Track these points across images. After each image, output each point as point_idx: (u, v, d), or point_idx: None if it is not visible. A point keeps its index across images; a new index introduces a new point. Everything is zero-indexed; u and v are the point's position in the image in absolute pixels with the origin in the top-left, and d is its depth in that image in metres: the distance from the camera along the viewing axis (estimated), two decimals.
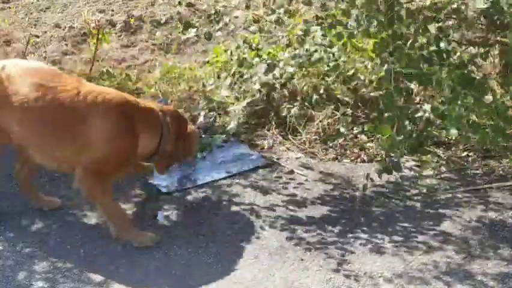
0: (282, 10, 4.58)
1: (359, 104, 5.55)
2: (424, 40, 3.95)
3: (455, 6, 4.07)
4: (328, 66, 4.46)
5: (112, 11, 7.74)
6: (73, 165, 4.50)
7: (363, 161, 5.28)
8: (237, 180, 5.18)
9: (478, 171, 5.16)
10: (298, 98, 5.60)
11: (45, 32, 7.42)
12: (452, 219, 4.71)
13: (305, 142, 5.46)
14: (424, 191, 4.99)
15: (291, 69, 4.74)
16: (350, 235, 4.58)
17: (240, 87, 5.14)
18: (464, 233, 4.58)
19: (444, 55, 3.92)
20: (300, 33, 4.46)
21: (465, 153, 5.31)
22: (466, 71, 3.90)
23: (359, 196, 4.89)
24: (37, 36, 7.29)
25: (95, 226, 4.75)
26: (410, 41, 3.93)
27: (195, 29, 4.95)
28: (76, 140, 4.38)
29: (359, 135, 5.45)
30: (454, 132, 3.94)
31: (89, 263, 4.41)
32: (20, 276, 4.32)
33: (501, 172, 5.13)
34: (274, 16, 4.52)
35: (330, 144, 5.39)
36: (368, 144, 5.39)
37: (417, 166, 5.24)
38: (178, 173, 5.20)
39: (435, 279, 4.21)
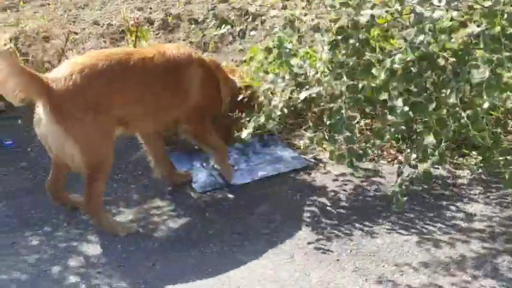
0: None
1: None
2: None
3: None
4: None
5: (150, 8, 7.79)
6: (177, 117, 4.89)
7: (400, 163, 5.22)
8: (274, 180, 5.17)
9: None
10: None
11: (84, 28, 7.48)
12: (481, 216, 4.67)
13: (339, 140, 5.42)
14: (456, 190, 4.95)
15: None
16: (385, 233, 4.54)
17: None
18: (492, 229, 4.54)
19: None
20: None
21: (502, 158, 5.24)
22: None
23: (393, 195, 4.85)
24: (76, 33, 7.35)
25: (132, 221, 4.77)
26: None
27: (228, 26, 4.95)
28: (180, 91, 4.78)
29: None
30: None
31: (125, 259, 4.43)
32: (55, 271, 4.35)
33: None
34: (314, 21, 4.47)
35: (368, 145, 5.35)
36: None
37: (454, 168, 5.20)
38: (215, 172, 5.24)
39: (461, 271, 4.18)
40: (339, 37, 4.04)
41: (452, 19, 3.88)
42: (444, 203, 4.83)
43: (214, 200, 4.98)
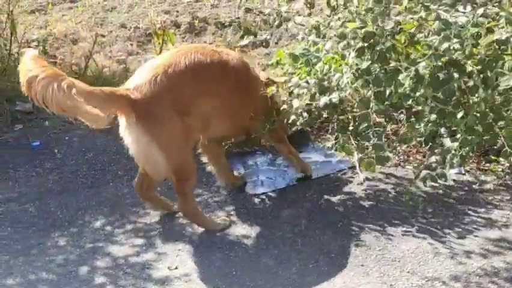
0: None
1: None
2: None
3: None
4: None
5: (177, 12, 7.82)
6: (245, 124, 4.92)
7: (426, 168, 5.20)
8: (298, 185, 5.17)
9: None
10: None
11: (111, 31, 7.53)
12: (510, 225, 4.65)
13: (368, 147, 5.40)
14: (482, 196, 4.93)
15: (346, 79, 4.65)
16: (410, 239, 4.52)
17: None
18: None
19: None
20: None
21: None
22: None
23: (420, 201, 4.84)
24: (103, 36, 7.40)
25: (158, 222, 4.79)
26: None
27: (251, 36, 4.94)
28: (248, 97, 4.76)
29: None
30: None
31: (150, 261, 4.45)
32: (82, 271, 4.38)
33: None
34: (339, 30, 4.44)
35: (393, 150, 5.33)
36: None
37: (480, 174, 5.17)
38: (267, 175, 5.31)
39: (494, 284, 4.14)
40: (366, 44, 4.03)
41: (477, 24, 3.86)
42: (471, 209, 4.80)
43: (238, 203, 4.98)
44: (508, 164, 5.16)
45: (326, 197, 5.00)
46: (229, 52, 4.83)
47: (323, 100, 4.35)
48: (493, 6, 3.91)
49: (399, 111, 4.47)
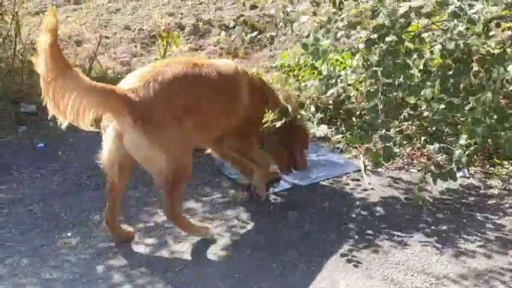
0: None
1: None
2: None
3: None
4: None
5: (181, 14, 7.84)
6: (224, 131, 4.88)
7: (430, 171, 5.19)
8: (302, 188, 5.17)
9: None
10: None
11: (116, 33, 7.55)
12: None
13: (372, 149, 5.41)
14: (487, 200, 4.94)
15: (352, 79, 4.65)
16: (414, 242, 4.52)
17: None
18: None
19: None
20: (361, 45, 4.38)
21: None
22: None
23: (425, 203, 4.84)
24: (107, 38, 7.41)
25: (162, 224, 4.79)
26: None
27: (256, 31, 4.94)
28: (233, 105, 4.78)
29: (427, 145, 5.38)
30: None
31: (159, 260, 4.45)
32: (87, 273, 4.37)
33: None
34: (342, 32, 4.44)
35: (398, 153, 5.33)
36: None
37: (485, 177, 5.17)
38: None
39: (501, 283, 4.15)
40: (376, 35, 4.02)
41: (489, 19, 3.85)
42: (476, 213, 4.80)
43: (243, 206, 4.98)
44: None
45: (329, 200, 5.00)
46: (219, 62, 4.90)
47: (331, 91, 4.36)
48: None
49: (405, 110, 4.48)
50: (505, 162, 5.26)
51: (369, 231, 4.66)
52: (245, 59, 6.89)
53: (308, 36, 4.72)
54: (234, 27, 5.34)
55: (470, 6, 3.75)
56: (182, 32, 7.38)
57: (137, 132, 4.25)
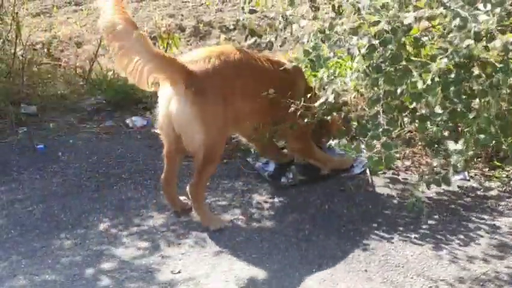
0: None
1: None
2: None
3: None
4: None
5: (182, 15, 7.84)
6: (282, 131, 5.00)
7: (431, 172, 5.19)
8: (302, 189, 5.17)
9: None
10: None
11: None
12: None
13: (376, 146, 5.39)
14: (487, 202, 4.94)
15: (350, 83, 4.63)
16: (414, 244, 4.52)
17: None
18: None
19: None
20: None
21: None
22: None
23: (424, 206, 4.83)
24: None
25: (161, 226, 4.79)
26: None
27: (255, 37, 4.94)
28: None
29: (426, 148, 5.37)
30: None
31: (154, 264, 4.44)
32: (86, 274, 4.37)
33: None
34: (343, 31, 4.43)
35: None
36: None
37: (485, 180, 5.17)
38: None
39: (499, 287, 4.15)
40: (377, 41, 4.02)
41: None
42: (475, 215, 4.80)
43: (242, 208, 4.98)
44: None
45: (329, 202, 5.00)
46: (278, 59, 4.99)
47: (329, 91, 4.36)
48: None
49: (404, 113, 4.46)
50: (505, 165, 5.24)
51: (369, 233, 4.66)
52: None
53: (308, 41, 4.73)
54: (234, 29, 5.34)
55: (475, 16, 3.74)
56: (183, 33, 7.38)
57: (185, 99, 4.44)
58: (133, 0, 8.40)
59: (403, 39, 4.02)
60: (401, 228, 4.69)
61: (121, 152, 5.63)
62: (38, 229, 4.80)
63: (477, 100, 3.99)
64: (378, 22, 4.00)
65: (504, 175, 5.19)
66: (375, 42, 4.00)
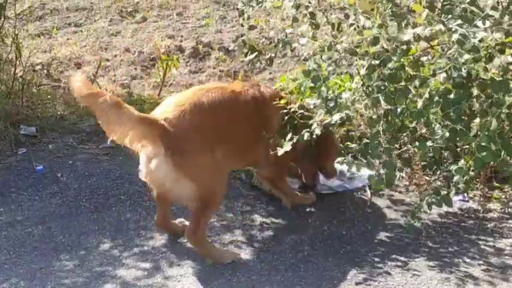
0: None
1: None
2: None
3: None
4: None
5: (181, 36, 7.86)
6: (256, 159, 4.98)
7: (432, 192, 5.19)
8: (301, 210, 5.16)
9: None
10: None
11: (116, 56, 7.56)
12: None
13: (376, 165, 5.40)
14: (487, 224, 4.93)
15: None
16: (414, 265, 4.51)
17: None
18: None
19: None
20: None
21: None
22: None
23: (423, 228, 4.83)
24: (107, 60, 7.43)
25: (161, 247, 4.77)
26: None
27: (255, 53, 4.94)
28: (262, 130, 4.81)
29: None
30: None
31: (157, 285, 4.44)
32: None
33: None
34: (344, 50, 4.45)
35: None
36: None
37: (485, 201, 5.17)
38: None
39: None
40: (377, 61, 4.03)
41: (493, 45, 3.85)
42: (476, 236, 4.80)
43: (242, 228, 4.97)
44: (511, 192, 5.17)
45: (328, 223, 4.99)
46: (249, 88, 4.90)
47: (336, 117, 4.37)
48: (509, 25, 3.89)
49: (404, 133, 4.47)
50: (505, 186, 5.24)
51: (369, 254, 4.65)
52: (245, 82, 6.89)
53: (307, 59, 4.74)
54: (233, 50, 5.34)
55: (474, 33, 3.75)
56: (182, 54, 7.39)
57: (166, 162, 4.34)
58: (132, 22, 8.43)
59: (402, 59, 4.04)
60: (400, 250, 4.68)
61: (120, 173, 5.62)
62: (37, 250, 4.79)
63: (477, 120, 4.01)
64: (377, 40, 4.02)
65: (503, 196, 5.18)
66: (375, 62, 4.02)
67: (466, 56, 3.77)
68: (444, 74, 3.84)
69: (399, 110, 4.02)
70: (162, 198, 4.72)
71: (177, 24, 8.29)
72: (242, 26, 5.53)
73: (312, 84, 4.50)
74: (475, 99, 3.98)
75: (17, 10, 7.02)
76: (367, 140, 4.25)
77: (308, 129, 4.53)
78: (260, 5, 4.85)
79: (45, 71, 7.22)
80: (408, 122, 4.21)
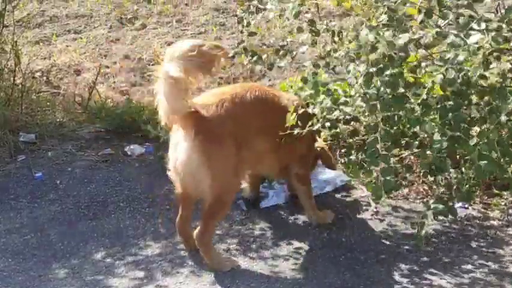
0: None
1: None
2: None
3: None
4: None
5: None
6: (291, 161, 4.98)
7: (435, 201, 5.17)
8: (300, 217, 5.15)
9: None
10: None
11: (115, 62, 7.56)
12: None
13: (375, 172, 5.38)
14: (486, 231, 4.92)
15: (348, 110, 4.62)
16: (414, 273, 4.50)
17: None
18: None
19: None
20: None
21: None
22: None
23: (423, 235, 4.81)
24: (107, 67, 7.43)
25: (159, 255, 4.76)
26: None
27: (257, 56, 4.95)
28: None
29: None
30: None
31: None
32: None
33: None
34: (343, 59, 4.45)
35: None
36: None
37: (484, 208, 5.16)
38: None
39: None
40: (374, 69, 4.03)
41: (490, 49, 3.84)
42: (475, 243, 4.79)
43: (239, 237, 4.96)
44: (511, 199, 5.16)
45: (328, 230, 4.98)
46: (287, 95, 5.00)
47: (336, 112, 4.36)
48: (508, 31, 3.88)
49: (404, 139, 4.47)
50: (504, 193, 5.23)
51: (368, 262, 4.64)
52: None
53: (308, 67, 4.75)
54: (233, 56, 5.34)
55: (468, 35, 3.75)
56: None
57: (194, 146, 4.36)
58: (131, 29, 8.43)
59: (399, 68, 4.04)
60: (400, 257, 4.67)
61: (119, 180, 5.61)
62: (35, 258, 4.78)
63: (476, 127, 4.00)
64: (374, 49, 4.01)
65: (503, 203, 5.18)
66: (372, 69, 4.01)
67: (461, 57, 3.76)
68: (441, 76, 3.83)
69: (396, 117, 4.02)
70: (185, 195, 4.68)
71: (177, 31, 8.30)
72: (242, 32, 5.53)
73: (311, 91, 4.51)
74: (474, 108, 3.98)
75: (16, 17, 7.02)
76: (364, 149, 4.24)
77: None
78: (260, 13, 4.86)
79: (44, 78, 7.22)
80: (407, 129, 4.21)
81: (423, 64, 4.24)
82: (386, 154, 4.03)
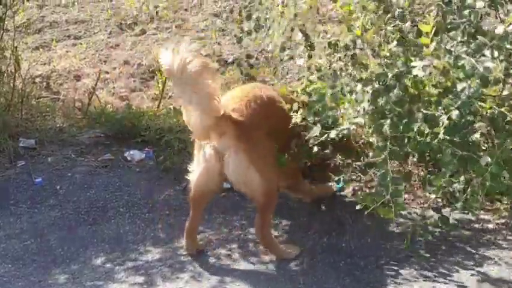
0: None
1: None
2: None
3: None
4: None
5: None
6: None
7: (430, 207, 5.19)
8: (300, 222, 5.16)
9: None
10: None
11: (115, 68, 7.57)
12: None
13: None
14: (484, 235, 4.92)
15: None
16: (413, 278, 4.50)
17: None
18: None
19: None
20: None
21: None
22: None
23: (423, 241, 4.82)
24: (107, 72, 7.44)
25: (159, 260, 4.77)
26: None
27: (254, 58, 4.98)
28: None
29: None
30: None
31: None
32: None
33: None
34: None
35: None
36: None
37: (484, 213, 5.16)
38: None
39: None
40: (382, 87, 4.04)
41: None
42: (472, 247, 4.78)
43: (239, 241, 4.97)
44: (510, 204, 5.16)
45: (328, 235, 4.98)
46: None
47: (334, 133, 4.37)
48: None
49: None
50: (503, 197, 5.23)
51: (368, 267, 4.64)
52: None
53: (301, 77, 4.77)
54: (232, 62, 5.35)
55: (482, 63, 3.73)
56: None
57: (240, 152, 4.42)
58: (131, 34, 8.44)
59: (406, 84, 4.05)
60: (400, 262, 4.67)
61: (119, 185, 5.62)
62: (35, 263, 4.78)
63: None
64: (385, 75, 4.03)
65: (502, 207, 5.17)
66: (379, 86, 4.03)
67: (473, 89, 3.75)
68: (456, 112, 3.82)
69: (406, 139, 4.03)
70: (199, 199, 4.72)
71: (176, 37, 8.31)
72: (238, 42, 5.56)
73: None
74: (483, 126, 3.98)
75: (16, 23, 7.03)
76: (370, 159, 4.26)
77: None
78: (259, 30, 4.91)
79: (44, 83, 7.23)
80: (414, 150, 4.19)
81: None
82: (396, 177, 4.04)
